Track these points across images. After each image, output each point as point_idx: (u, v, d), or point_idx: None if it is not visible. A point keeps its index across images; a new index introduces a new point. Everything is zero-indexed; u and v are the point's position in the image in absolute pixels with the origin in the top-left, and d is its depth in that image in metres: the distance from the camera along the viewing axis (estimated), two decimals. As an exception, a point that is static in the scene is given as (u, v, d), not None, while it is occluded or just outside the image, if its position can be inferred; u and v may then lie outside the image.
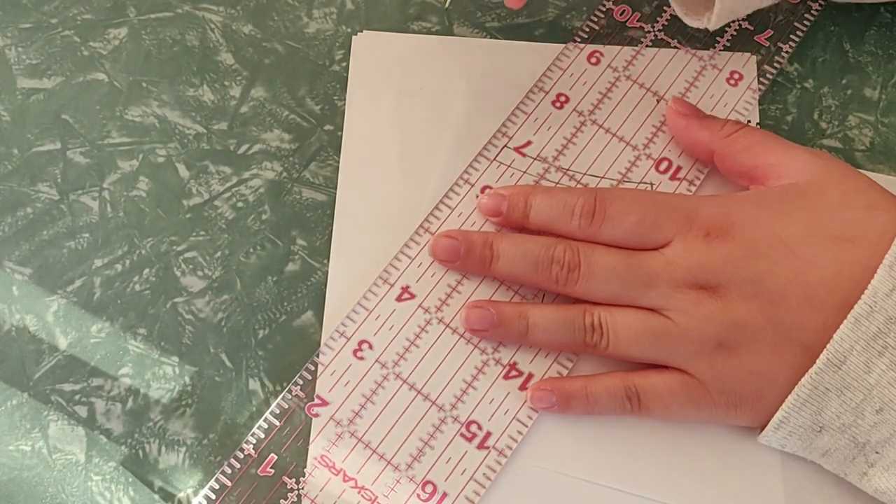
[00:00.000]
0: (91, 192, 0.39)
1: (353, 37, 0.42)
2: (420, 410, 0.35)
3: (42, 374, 0.37)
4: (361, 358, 0.36)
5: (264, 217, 0.39)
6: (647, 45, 0.41)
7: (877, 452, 0.32)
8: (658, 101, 0.40)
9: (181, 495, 0.35)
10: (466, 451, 0.35)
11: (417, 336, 0.36)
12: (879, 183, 0.34)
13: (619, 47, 0.41)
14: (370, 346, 0.36)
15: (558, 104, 0.40)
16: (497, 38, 0.42)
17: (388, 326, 0.36)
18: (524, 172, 0.39)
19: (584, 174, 0.39)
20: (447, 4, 0.42)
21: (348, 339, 0.36)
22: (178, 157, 0.40)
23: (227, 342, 0.37)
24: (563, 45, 0.41)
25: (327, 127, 0.40)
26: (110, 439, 0.36)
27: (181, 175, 0.40)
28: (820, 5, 0.42)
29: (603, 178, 0.39)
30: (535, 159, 0.39)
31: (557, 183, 0.39)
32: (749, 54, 0.41)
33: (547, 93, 0.40)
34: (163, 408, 0.36)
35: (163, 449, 0.36)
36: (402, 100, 0.40)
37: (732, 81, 0.40)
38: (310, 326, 0.37)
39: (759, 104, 0.40)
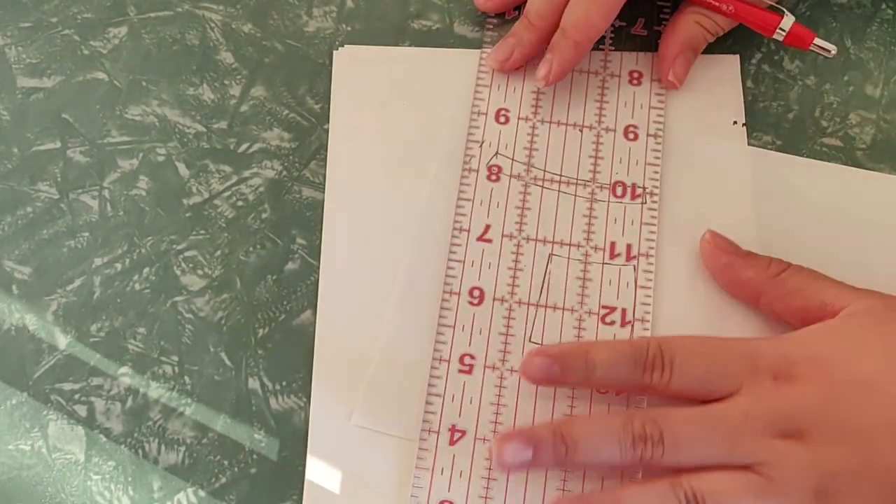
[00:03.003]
0: (91, 192, 0.39)
1: (334, 52, 0.41)
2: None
3: (42, 374, 0.37)
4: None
5: (264, 216, 0.39)
6: None
7: None
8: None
9: (180, 495, 0.35)
10: None
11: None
12: (881, 183, 0.34)
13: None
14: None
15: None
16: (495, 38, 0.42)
17: (458, 473, 0.35)
18: (507, 191, 0.38)
19: (561, 174, 0.39)
20: None
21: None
22: (178, 156, 0.40)
23: (227, 341, 0.37)
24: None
25: (327, 126, 0.40)
26: (110, 438, 0.36)
27: (181, 174, 0.40)
28: None
29: (579, 164, 0.39)
30: (510, 178, 0.39)
31: (543, 187, 0.38)
32: (639, 53, 0.41)
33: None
34: (162, 407, 0.36)
35: (162, 448, 0.36)
36: (385, 114, 0.40)
37: (635, 82, 0.40)
38: (309, 325, 0.37)
39: (760, 102, 0.40)
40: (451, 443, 0.35)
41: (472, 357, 0.36)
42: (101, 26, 0.42)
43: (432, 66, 0.41)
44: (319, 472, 0.35)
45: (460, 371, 0.36)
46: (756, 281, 0.35)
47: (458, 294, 0.37)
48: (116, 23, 0.42)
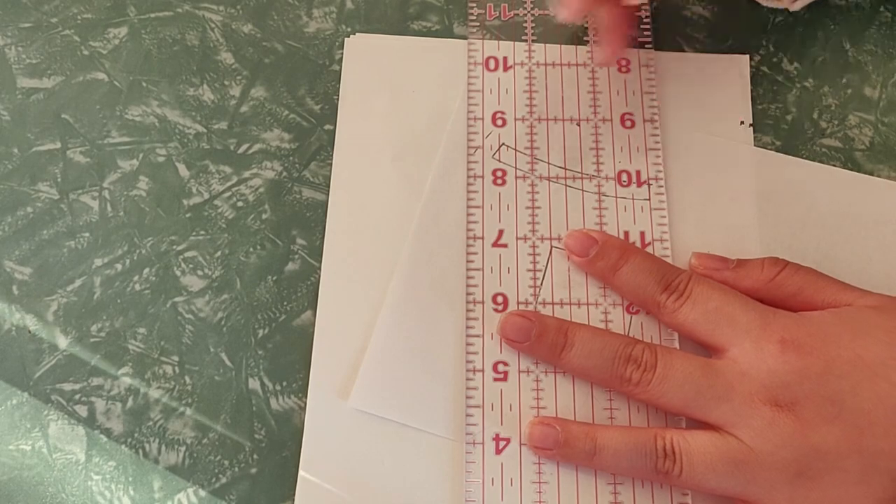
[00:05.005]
0: (91, 192, 0.39)
1: (346, 39, 0.42)
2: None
3: (42, 374, 0.37)
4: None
5: (264, 217, 0.39)
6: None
7: None
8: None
9: (181, 495, 0.35)
10: None
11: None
12: (880, 187, 0.34)
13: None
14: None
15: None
16: (500, 37, 0.42)
17: (508, 481, 0.35)
18: (515, 192, 0.38)
19: (565, 169, 0.39)
20: None
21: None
22: (178, 157, 0.40)
23: (227, 341, 0.37)
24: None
25: (327, 126, 0.40)
26: (110, 438, 0.36)
27: (181, 174, 0.40)
28: None
29: (581, 158, 0.39)
30: (516, 179, 0.39)
31: (550, 182, 0.38)
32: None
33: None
34: (163, 407, 0.36)
35: (163, 448, 0.36)
36: (394, 102, 0.40)
37: (624, 69, 0.41)
38: (309, 326, 0.37)
39: (759, 104, 0.40)
40: (497, 452, 0.35)
41: (505, 364, 0.36)
42: (101, 26, 0.42)
43: (444, 55, 0.41)
44: (314, 470, 0.35)
45: (495, 379, 0.36)
46: (755, 289, 0.35)
47: (482, 302, 0.37)
48: (116, 23, 0.42)
